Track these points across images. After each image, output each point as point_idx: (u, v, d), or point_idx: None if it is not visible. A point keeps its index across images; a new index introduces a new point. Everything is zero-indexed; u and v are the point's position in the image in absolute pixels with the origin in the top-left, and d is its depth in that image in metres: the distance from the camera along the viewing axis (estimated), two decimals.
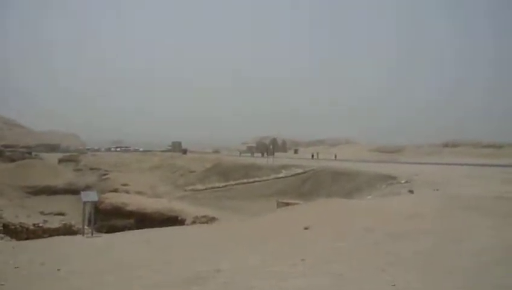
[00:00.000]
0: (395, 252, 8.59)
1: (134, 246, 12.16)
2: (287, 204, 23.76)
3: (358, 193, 32.19)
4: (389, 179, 33.12)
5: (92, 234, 16.23)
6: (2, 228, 16.93)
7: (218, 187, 51.20)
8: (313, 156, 77.02)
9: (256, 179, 50.66)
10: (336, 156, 76.57)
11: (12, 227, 17.69)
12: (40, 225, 19.51)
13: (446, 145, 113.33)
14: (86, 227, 17.25)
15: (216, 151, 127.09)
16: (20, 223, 19.01)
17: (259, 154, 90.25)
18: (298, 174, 48.83)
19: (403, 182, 29.60)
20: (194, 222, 30.26)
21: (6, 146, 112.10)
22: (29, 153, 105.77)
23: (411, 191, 22.32)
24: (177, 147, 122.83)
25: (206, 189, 51.52)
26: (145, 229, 19.53)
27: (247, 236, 12.12)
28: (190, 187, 55.22)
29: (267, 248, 9.94)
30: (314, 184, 43.66)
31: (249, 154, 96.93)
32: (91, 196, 16.16)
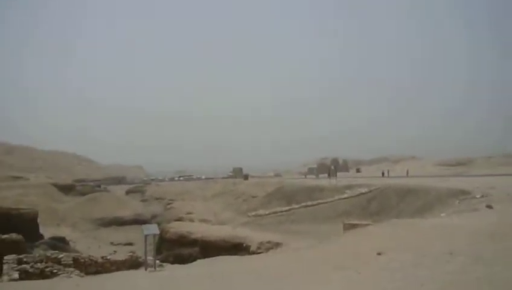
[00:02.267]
0: (488, 279, 7.63)
1: (197, 282, 11.72)
2: (354, 226, 22.71)
3: (430, 211, 30.39)
4: (462, 194, 31.06)
5: (155, 267, 16.16)
6: (72, 262, 17.22)
7: (281, 211, 50.40)
8: (383, 173, 74.30)
9: (320, 201, 49.42)
10: (407, 172, 73.68)
11: (82, 261, 17.96)
12: (108, 257, 19.75)
13: None
14: (150, 259, 17.21)
15: (277, 175, 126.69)
16: (90, 256, 19.32)
17: (325, 175, 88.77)
18: (363, 193, 47.17)
19: (478, 196, 27.62)
20: (259, 248, 29.82)
21: (77, 181, 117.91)
22: (99, 187, 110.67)
23: (489, 207, 20.65)
24: (239, 173, 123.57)
25: (269, 214, 50.88)
26: (210, 259, 19.23)
27: (315, 265, 11.42)
28: (253, 213, 54.83)
29: (339, 278, 9.22)
30: (380, 203, 41.92)
31: (314, 176, 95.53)
32: (152, 229, 16.13)
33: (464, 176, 57.68)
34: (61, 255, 17.91)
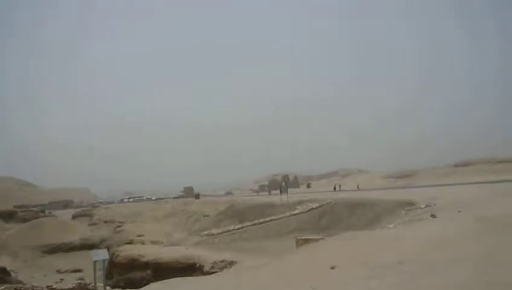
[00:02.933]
0: (436, 285, 7.94)
1: None
2: (307, 241, 22.95)
3: (378, 223, 31.29)
4: (408, 205, 32.27)
5: None
6: None
7: (234, 229, 50.21)
8: (335, 188, 75.86)
9: (273, 217, 49.69)
10: (358, 186, 75.90)
11: None
12: (54, 286, 18.85)
13: (458, 165, 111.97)
14: (100, 285, 16.60)
15: (229, 193, 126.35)
16: (34, 286, 18.32)
17: (278, 192, 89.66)
18: (314, 209, 47.92)
19: (423, 206, 28.75)
20: (212, 267, 29.46)
21: (18, 207, 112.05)
22: (43, 212, 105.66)
23: (433, 216, 21.52)
24: (189, 192, 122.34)
25: (221, 233, 50.52)
26: (163, 282, 18.76)
27: (269, 282, 11.42)
28: (205, 232, 54.24)
29: None
30: (331, 218, 42.71)
31: (266, 193, 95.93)
32: (101, 254, 15.62)
33: (410, 187, 59.96)
34: (2, 288, 16.90)
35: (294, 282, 10.42)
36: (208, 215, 69.62)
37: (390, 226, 23.99)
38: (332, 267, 11.11)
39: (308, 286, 9.39)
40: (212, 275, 23.37)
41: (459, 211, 21.51)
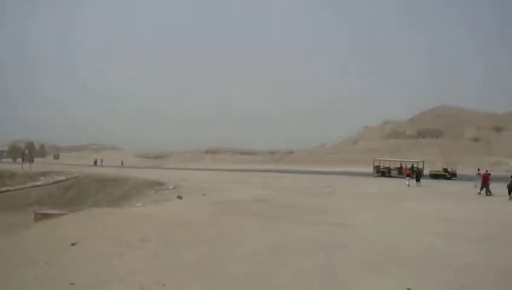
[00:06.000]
0: (176, 263, 8.42)
1: None
2: (48, 215, 21.33)
3: (127, 201, 31.30)
4: (158, 185, 33.24)
5: None
6: None
7: None
8: (95, 162, 71.88)
9: (10, 188, 44.42)
10: (122, 163, 74.13)
11: None
12: None
13: (208, 151, 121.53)
14: None
15: None
16: None
17: (10, 160, 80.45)
18: (60, 181, 44.79)
19: (171, 188, 30.05)
20: None
21: None
22: None
23: (180, 197, 22.78)
24: None
25: None
26: None
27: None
28: None
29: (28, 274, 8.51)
30: (78, 192, 40.64)
31: (11, 160, 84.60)
32: None
33: (160, 169, 61.95)
34: None
35: (32, 260, 9.52)
36: None
37: (138, 204, 24.33)
38: (73, 244, 10.61)
39: (44, 262, 8.76)
40: None
41: (203, 194, 23.34)
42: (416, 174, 32.68)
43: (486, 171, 27.77)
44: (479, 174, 27.93)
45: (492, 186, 25.83)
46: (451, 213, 16.60)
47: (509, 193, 22.96)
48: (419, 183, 31.31)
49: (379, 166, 45.78)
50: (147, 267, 8.10)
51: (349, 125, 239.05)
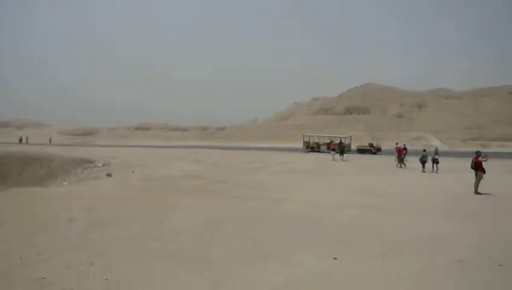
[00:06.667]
0: (104, 241, 8.37)
1: None
2: None
3: (53, 180, 30.02)
4: (86, 163, 32.17)
5: None
6: None
7: None
8: (20, 140, 67.59)
9: None
10: (50, 140, 70.28)
11: None
12: None
13: (138, 128, 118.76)
14: None
15: None
16: None
17: None
18: None
19: (100, 165, 29.25)
20: None
21: None
22: None
23: (109, 175, 22.30)
24: None
25: None
26: None
27: None
28: None
29: None
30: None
31: None
32: None
33: (89, 146, 59.87)
34: None
35: None
36: None
37: (65, 183, 23.52)
38: None
39: None
40: None
41: (133, 172, 23.00)
42: (340, 148, 34.18)
43: (397, 144, 29.88)
44: (396, 148, 29.76)
45: (411, 159, 27.66)
46: (373, 186, 17.65)
47: (422, 166, 24.84)
48: (342, 157, 32.86)
49: (309, 142, 47.23)
50: (74, 247, 7.97)
51: (280, 100, 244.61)
